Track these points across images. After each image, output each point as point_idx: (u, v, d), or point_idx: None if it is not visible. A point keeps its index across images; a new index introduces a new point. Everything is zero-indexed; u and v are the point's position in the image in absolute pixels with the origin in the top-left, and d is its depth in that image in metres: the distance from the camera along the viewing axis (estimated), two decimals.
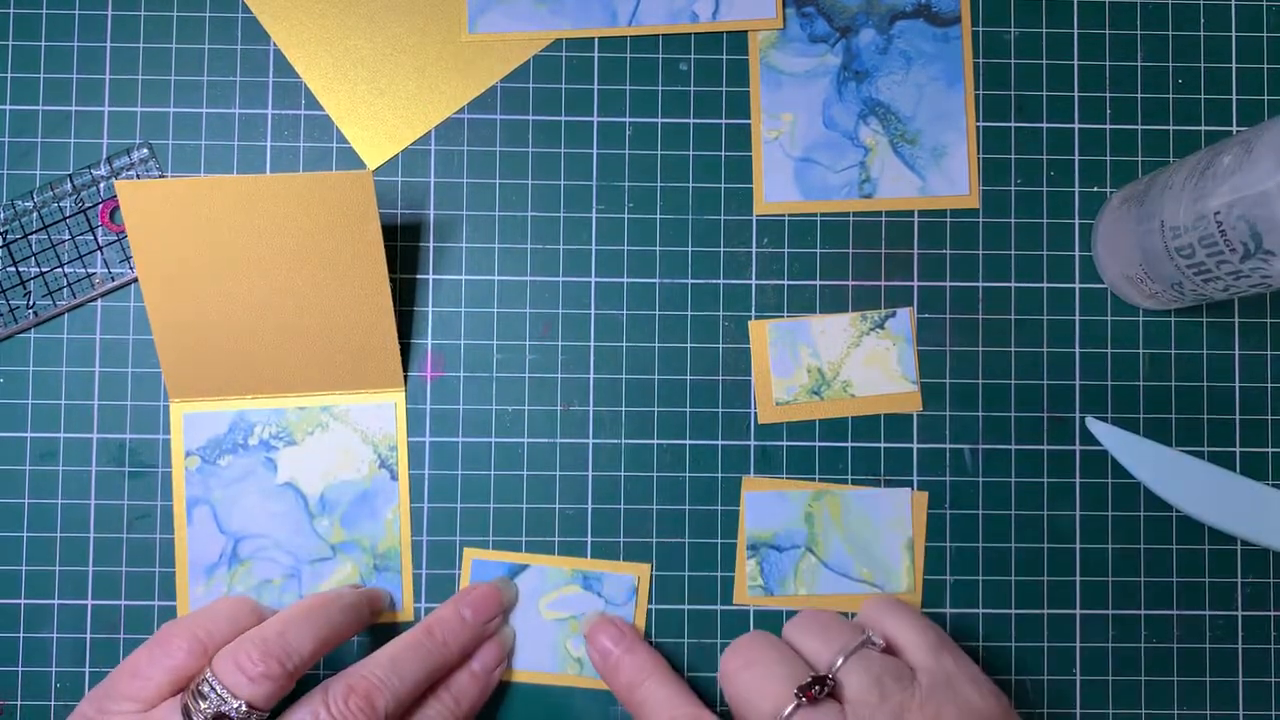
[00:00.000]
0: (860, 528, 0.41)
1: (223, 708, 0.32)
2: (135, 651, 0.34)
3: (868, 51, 0.42)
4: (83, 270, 0.41)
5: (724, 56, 0.42)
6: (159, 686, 0.33)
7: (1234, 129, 0.42)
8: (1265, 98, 0.42)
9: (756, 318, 0.41)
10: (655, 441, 0.41)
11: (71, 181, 0.41)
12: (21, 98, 0.41)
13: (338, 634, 0.36)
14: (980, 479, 0.41)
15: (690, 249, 0.42)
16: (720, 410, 0.41)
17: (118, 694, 0.33)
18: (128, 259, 0.41)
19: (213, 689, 0.32)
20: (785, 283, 0.42)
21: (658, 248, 0.42)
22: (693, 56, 0.42)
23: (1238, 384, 0.42)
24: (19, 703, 0.40)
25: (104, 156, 0.41)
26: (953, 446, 0.41)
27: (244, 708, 0.32)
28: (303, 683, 0.35)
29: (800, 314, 0.41)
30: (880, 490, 0.41)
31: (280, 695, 0.33)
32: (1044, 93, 0.42)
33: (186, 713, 0.32)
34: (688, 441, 0.41)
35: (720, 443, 0.41)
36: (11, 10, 0.41)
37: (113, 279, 0.41)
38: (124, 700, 0.33)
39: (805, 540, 0.41)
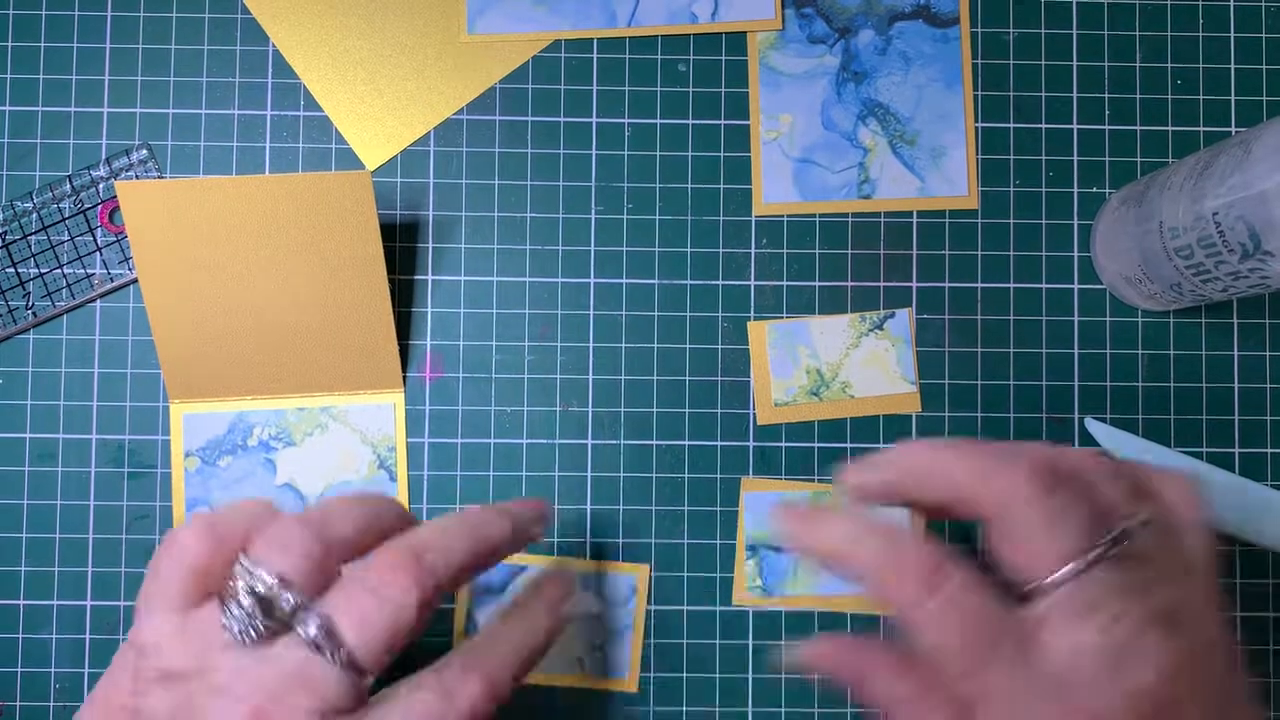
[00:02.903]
0: None
1: (257, 587, 0.28)
2: (153, 557, 0.31)
3: (867, 52, 0.42)
4: (82, 271, 0.41)
5: (723, 57, 0.42)
6: (183, 587, 0.29)
7: (1233, 130, 0.42)
8: (1264, 98, 0.42)
9: (755, 319, 0.41)
10: (654, 443, 0.41)
11: (71, 182, 0.41)
12: (21, 98, 0.41)
13: (383, 527, 0.31)
14: None
15: (689, 250, 0.42)
16: (719, 411, 0.41)
17: (148, 610, 0.30)
18: (127, 260, 0.41)
19: (245, 569, 0.29)
20: (784, 284, 0.42)
21: (656, 249, 0.42)
22: (692, 57, 0.42)
23: (1236, 385, 0.42)
24: (19, 703, 0.40)
25: (103, 157, 0.41)
26: None
27: (277, 585, 0.28)
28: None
29: (799, 315, 0.41)
30: None
31: (322, 577, 0.29)
32: (1043, 94, 0.42)
33: (223, 601, 0.29)
34: (686, 442, 0.41)
35: (719, 444, 0.41)
36: (11, 11, 0.41)
37: (112, 280, 0.41)
38: (156, 615, 0.29)
39: None
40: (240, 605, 0.28)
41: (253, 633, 0.28)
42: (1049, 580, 0.28)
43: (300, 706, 0.28)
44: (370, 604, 0.29)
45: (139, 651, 0.29)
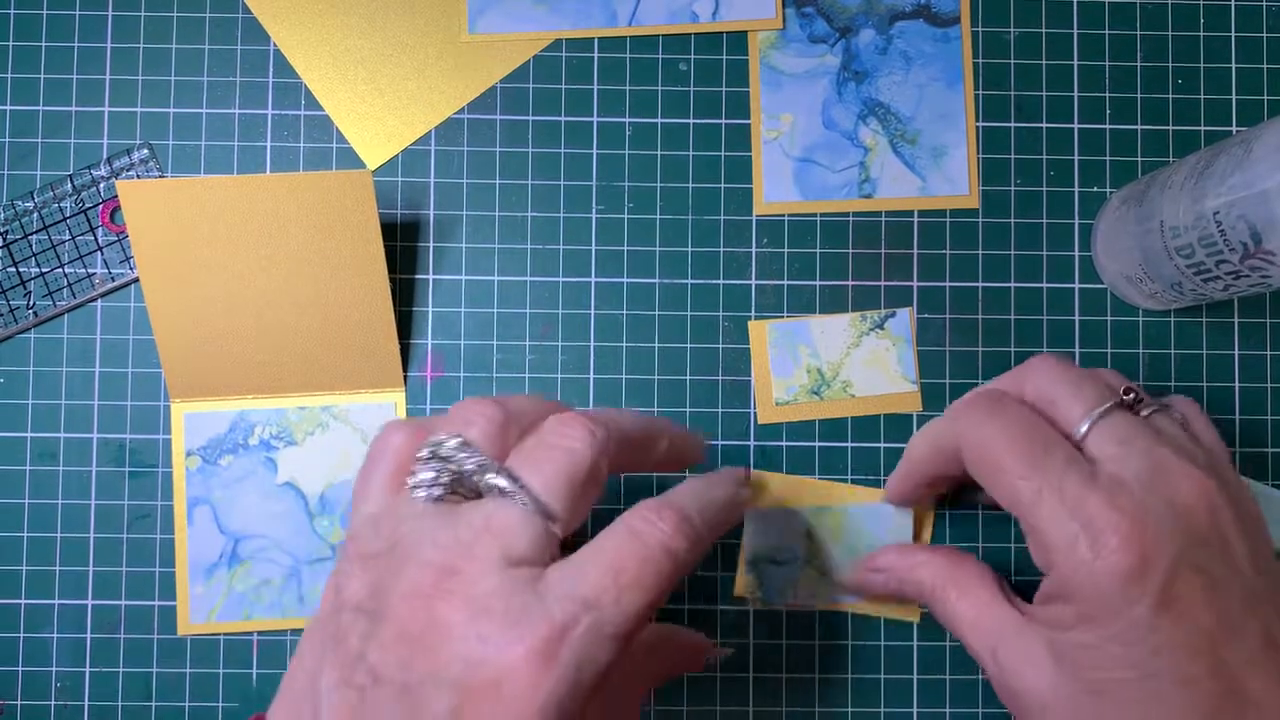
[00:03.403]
0: (859, 541, 0.40)
1: (441, 450, 0.29)
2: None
3: (867, 52, 0.42)
4: (83, 270, 0.41)
5: (724, 57, 0.42)
6: (384, 478, 0.30)
7: (1234, 129, 0.42)
8: (1265, 98, 0.42)
9: (756, 318, 0.41)
10: None
11: (72, 182, 0.41)
12: (22, 98, 0.41)
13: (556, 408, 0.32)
14: None
15: (690, 249, 0.42)
16: (720, 410, 0.41)
17: (355, 507, 0.31)
18: (128, 259, 0.41)
19: (431, 441, 0.30)
20: (785, 283, 0.42)
21: (657, 248, 0.42)
22: (692, 57, 0.42)
23: (1237, 384, 0.42)
24: (19, 702, 0.40)
25: (104, 157, 0.41)
26: None
27: (459, 445, 0.29)
28: None
29: (800, 314, 0.41)
30: (880, 505, 0.40)
31: (502, 441, 0.30)
32: (1044, 93, 0.42)
33: (412, 474, 0.30)
34: None
35: (720, 443, 0.41)
36: (11, 10, 0.41)
37: (113, 279, 0.41)
38: (361, 507, 0.30)
39: (804, 554, 0.40)
40: (425, 468, 0.29)
41: (438, 489, 0.29)
42: (1081, 430, 0.32)
43: (490, 557, 0.27)
44: (546, 452, 0.29)
45: (345, 546, 0.30)
